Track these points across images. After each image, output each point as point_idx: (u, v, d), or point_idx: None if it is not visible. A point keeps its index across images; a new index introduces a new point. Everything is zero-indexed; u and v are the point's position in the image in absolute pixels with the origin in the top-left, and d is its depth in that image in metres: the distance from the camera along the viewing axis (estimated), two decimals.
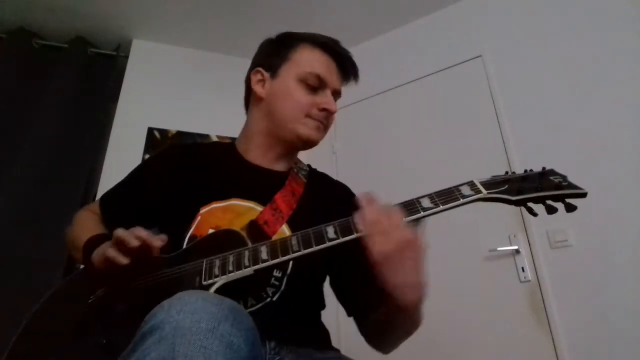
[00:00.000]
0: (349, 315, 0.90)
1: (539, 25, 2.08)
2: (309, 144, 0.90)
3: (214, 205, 0.82)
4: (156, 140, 2.38)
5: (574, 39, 1.96)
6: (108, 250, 0.71)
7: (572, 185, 0.67)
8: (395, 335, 0.81)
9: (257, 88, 0.91)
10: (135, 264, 0.71)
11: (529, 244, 1.77)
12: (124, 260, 0.70)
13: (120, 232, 0.70)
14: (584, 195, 0.66)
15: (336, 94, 0.92)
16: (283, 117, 0.87)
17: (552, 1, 2.08)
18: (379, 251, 0.63)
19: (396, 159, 2.24)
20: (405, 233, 0.64)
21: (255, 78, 0.92)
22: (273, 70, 0.90)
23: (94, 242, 0.80)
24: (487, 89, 2.11)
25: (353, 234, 0.66)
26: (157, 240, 0.70)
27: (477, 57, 2.20)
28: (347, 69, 0.92)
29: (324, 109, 0.87)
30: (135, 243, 0.68)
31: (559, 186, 0.67)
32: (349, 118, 2.47)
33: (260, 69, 0.92)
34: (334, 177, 1.04)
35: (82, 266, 0.85)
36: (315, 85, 0.87)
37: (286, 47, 0.91)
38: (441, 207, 0.67)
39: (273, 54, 0.92)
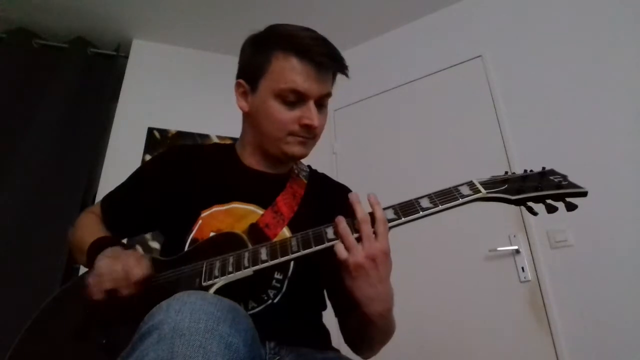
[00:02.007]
0: (336, 315, 0.90)
1: (539, 25, 2.08)
2: (294, 159, 0.89)
3: (216, 208, 0.82)
4: (156, 140, 2.38)
5: (574, 39, 1.96)
6: (89, 279, 0.72)
7: (572, 185, 0.67)
8: (368, 342, 0.81)
9: (241, 102, 0.88)
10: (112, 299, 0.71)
11: (529, 244, 1.77)
12: (98, 296, 0.70)
13: (102, 268, 0.70)
14: (584, 194, 0.66)
15: (324, 97, 0.84)
16: (266, 135, 0.84)
17: (552, 1, 2.08)
18: (348, 261, 0.64)
19: (396, 159, 2.24)
20: (379, 245, 0.64)
21: (238, 91, 0.88)
22: (252, 84, 0.85)
23: (98, 245, 0.80)
24: (487, 89, 2.11)
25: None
26: (127, 290, 0.69)
27: (477, 57, 2.20)
28: (330, 69, 0.83)
29: (305, 125, 0.81)
30: (109, 286, 0.69)
31: (559, 185, 0.67)
32: (349, 118, 2.47)
33: (241, 81, 0.87)
34: (334, 177, 1.04)
35: (81, 266, 0.85)
36: (293, 100, 0.80)
37: (262, 56, 0.83)
38: (440, 207, 0.67)
39: (251, 62, 0.86)
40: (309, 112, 0.81)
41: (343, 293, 0.79)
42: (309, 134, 0.84)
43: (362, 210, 0.67)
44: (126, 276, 0.69)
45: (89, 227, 0.91)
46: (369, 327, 0.73)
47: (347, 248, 0.65)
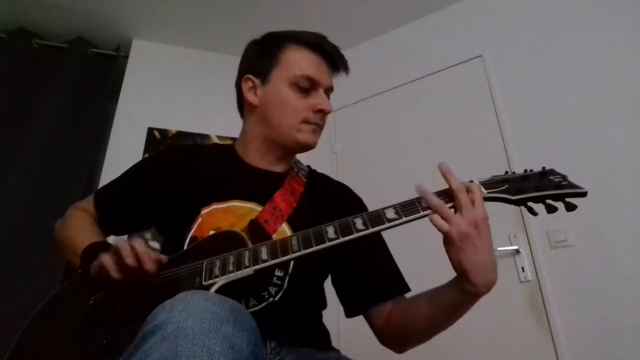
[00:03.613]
0: (348, 316, 0.90)
1: (539, 25, 2.08)
2: (307, 148, 0.90)
3: (215, 206, 0.82)
4: (156, 140, 2.38)
5: (574, 39, 1.96)
6: (104, 257, 0.69)
7: (572, 185, 0.68)
8: (432, 330, 0.78)
9: (250, 96, 0.90)
10: (129, 278, 0.69)
11: (529, 244, 1.77)
12: (115, 275, 0.69)
13: (120, 244, 0.68)
14: (584, 194, 0.67)
15: (329, 90, 0.91)
16: (279, 124, 0.87)
17: (552, 1, 2.08)
18: (451, 232, 0.63)
19: (396, 159, 2.24)
20: (478, 212, 0.64)
21: (246, 86, 0.90)
22: (263, 76, 0.88)
23: (92, 250, 0.79)
24: (487, 89, 2.11)
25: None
26: (153, 264, 0.69)
27: (477, 57, 2.20)
28: (336, 63, 0.90)
29: (319, 110, 0.87)
30: (130, 262, 0.67)
31: (559, 186, 0.68)
32: (349, 118, 2.47)
33: (249, 75, 0.90)
34: (334, 177, 1.04)
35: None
36: (307, 87, 0.86)
37: (273, 49, 0.89)
38: None
39: (260, 57, 0.90)
40: (321, 98, 0.87)
41: (365, 287, 0.84)
42: (321, 121, 0.89)
43: (456, 180, 0.67)
44: (145, 255, 0.68)
45: (81, 225, 0.90)
46: (461, 307, 0.71)
47: (445, 219, 0.65)
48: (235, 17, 2.44)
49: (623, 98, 1.76)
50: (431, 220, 0.65)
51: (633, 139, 1.69)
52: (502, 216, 1.83)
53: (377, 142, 2.36)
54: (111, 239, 0.88)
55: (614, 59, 1.83)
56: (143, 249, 0.68)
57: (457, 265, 0.66)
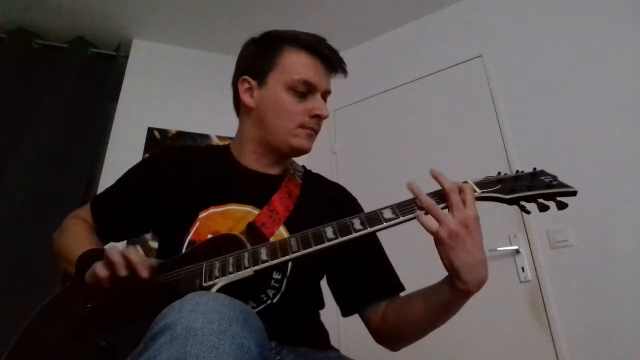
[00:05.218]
0: (344, 315, 0.90)
1: (539, 25, 2.08)
2: (301, 153, 0.90)
3: (212, 210, 0.82)
4: (156, 140, 2.38)
5: (574, 39, 1.96)
6: (98, 268, 0.69)
7: (562, 184, 0.69)
8: (426, 328, 0.79)
9: (246, 98, 0.89)
10: (122, 286, 0.69)
11: (529, 244, 1.77)
12: (108, 285, 0.69)
13: (112, 255, 0.68)
14: (574, 193, 0.68)
15: (326, 94, 0.90)
16: (275, 128, 0.86)
17: (552, 1, 2.08)
18: (440, 232, 0.64)
19: (396, 159, 2.24)
20: (469, 211, 0.65)
21: (242, 87, 0.90)
22: (260, 78, 0.87)
23: (87, 257, 0.78)
24: (487, 89, 2.11)
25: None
26: (146, 271, 0.68)
27: (477, 57, 2.20)
28: (334, 66, 0.89)
29: (315, 115, 0.86)
30: (123, 273, 0.67)
31: (549, 185, 0.69)
32: (349, 118, 2.47)
33: (246, 77, 0.89)
34: (334, 177, 1.04)
35: None
36: (304, 91, 0.85)
37: (271, 51, 0.87)
38: None
39: (258, 58, 0.89)
40: (318, 103, 0.86)
41: (360, 284, 0.84)
42: (317, 126, 0.88)
43: (447, 180, 0.69)
44: (139, 262, 0.68)
45: (78, 234, 0.90)
46: (453, 305, 0.73)
47: (436, 218, 0.66)
48: (235, 17, 2.44)
49: (623, 98, 1.76)
50: (419, 220, 0.67)
51: (633, 139, 1.69)
52: (502, 216, 1.83)
53: (377, 142, 2.36)
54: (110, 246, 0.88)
55: (613, 59, 1.83)
56: (137, 258, 0.68)
57: (447, 263, 0.67)
